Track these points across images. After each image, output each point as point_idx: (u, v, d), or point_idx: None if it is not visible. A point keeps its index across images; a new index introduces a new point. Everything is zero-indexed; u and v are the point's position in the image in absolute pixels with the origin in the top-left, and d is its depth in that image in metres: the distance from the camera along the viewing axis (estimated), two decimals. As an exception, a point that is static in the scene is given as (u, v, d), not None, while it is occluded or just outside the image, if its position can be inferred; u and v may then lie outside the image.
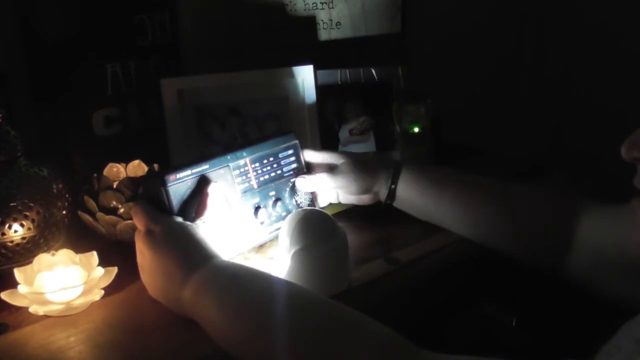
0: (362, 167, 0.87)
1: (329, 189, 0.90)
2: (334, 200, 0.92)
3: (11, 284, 0.71)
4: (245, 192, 0.82)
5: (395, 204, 0.88)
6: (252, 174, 0.83)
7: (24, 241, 0.80)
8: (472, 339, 0.85)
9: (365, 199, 0.90)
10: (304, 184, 0.87)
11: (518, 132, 1.41)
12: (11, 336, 0.67)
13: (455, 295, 0.84)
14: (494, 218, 0.82)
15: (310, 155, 0.90)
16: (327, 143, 1.08)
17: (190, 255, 0.68)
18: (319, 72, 1.08)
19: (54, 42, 0.96)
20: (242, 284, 0.65)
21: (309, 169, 0.90)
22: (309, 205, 0.88)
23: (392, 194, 0.87)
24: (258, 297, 0.63)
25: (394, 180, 0.87)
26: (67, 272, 0.72)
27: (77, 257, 0.75)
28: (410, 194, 0.86)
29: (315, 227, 0.73)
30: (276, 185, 0.86)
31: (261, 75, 1.05)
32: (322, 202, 0.91)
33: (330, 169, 0.88)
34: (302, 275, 0.71)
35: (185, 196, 0.76)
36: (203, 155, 0.81)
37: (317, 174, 0.88)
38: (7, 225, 0.78)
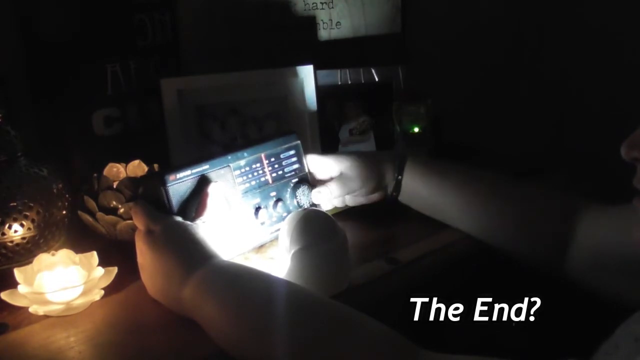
0: (368, 166, 0.87)
1: (342, 194, 0.89)
2: (339, 204, 0.92)
3: (11, 284, 0.71)
4: (246, 192, 0.82)
5: (401, 197, 0.89)
6: (262, 171, 0.83)
7: (24, 241, 0.80)
8: (472, 339, 0.85)
9: (374, 197, 0.90)
10: (321, 198, 0.86)
11: (518, 132, 1.40)
12: (11, 336, 0.67)
13: (454, 294, 0.84)
14: (496, 213, 0.82)
15: (314, 160, 0.90)
16: (327, 143, 1.08)
17: (190, 254, 0.68)
18: (319, 72, 1.08)
19: (54, 42, 0.96)
20: (242, 284, 0.65)
21: (311, 175, 0.90)
22: (310, 205, 0.88)
23: (398, 186, 0.87)
24: (258, 296, 0.63)
25: (400, 172, 0.87)
26: (67, 272, 0.72)
27: (77, 257, 0.75)
28: (415, 184, 0.87)
29: (315, 227, 0.73)
30: (277, 185, 0.86)
31: (261, 75, 1.05)
32: (326, 206, 0.90)
33: (336, 173, 0.88)
34: (302, 275, 0.71)
35: (185, 196, 0.76)
36: (203, 155, 0.81)
37: (329, 185, 0.87)
38: (7, 225, 0.78)
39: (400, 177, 0.87)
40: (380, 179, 0.88)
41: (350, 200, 0.91)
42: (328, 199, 0.87)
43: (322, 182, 0.89)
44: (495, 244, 0.82)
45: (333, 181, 0.87)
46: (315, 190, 0.87)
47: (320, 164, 0.89)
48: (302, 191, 0.87)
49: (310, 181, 0.89)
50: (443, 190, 0.85)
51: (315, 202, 0.87)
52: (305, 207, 0.87)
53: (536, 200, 0.82)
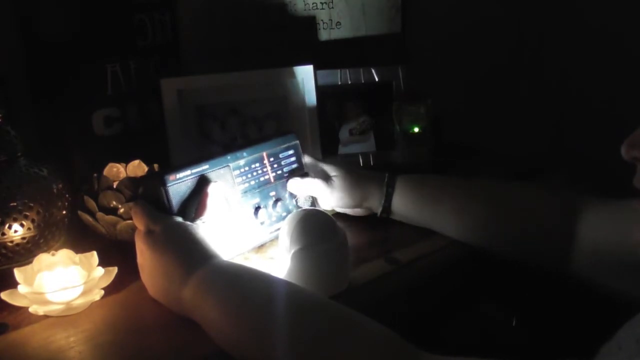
0: (353, 184, 0.87)
1: (323, 196, 0.89)
2: (328, 208, 0.92)
3: (11, 284, 0.71)
4: (245, 192, 0.82)
5: (393, 217, 0.89)
6: (262, 171, 0.84)
7: (24, 241, 0.80)
8: (471, 339, 0.85)
9: (358, 212, 0.90)
10: (295, 185, 0.86)
11: (518, 132, 1.41)
12: (11, 336, 0.67)
13: (454, 295, 0.84)
14: (495, 224, 0.81)
15: (309, 164, 0.90)
16: (327, 143, 1.08)
17: (190, 255, 0.68)
18: (319, 72, 1.08)
19: (54, 42, 0.96)
20: (242, 284, 0.65)
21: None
22: (309, 205, 0.88)
23: (387, 210, 0.87)
24: (258, 297, 0.63)
25: (387, 199, 0.87)
26: (67, 272, 0.72)
27: (77, 257, 0.75)
28: (406, 208, 0.87)
29: (315, 227, 0.73)
30: (276, 185, 0.86)
31: (261, 75, 1.05)
32: (323, 205, 0.90)
33: (326, 177, 0.88)
34: (302, 275, 0.71)
35: (185, 196, 0.76)
36: (203, 155, 0.81)
37: (311, 179, 0.87)
38: (7, 225, 0.78)
39: (387, 204, 0.87)
40: (363, 199, 0.88)
41: (336, 207, 0.91)
42: (305, 189, 0.87)
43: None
44: (498, 251, 0.81)
45: (319, 179, 0.87)
46: (293, 177, 0.86)
47: (314, 170, 0.90)
48: (301, 191, 0.87)
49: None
50: (436, 213, 0.85)
51: (289, 189, 0.86)
52: (304, 206, 0.87)
53: (537, 201, 0.82)
